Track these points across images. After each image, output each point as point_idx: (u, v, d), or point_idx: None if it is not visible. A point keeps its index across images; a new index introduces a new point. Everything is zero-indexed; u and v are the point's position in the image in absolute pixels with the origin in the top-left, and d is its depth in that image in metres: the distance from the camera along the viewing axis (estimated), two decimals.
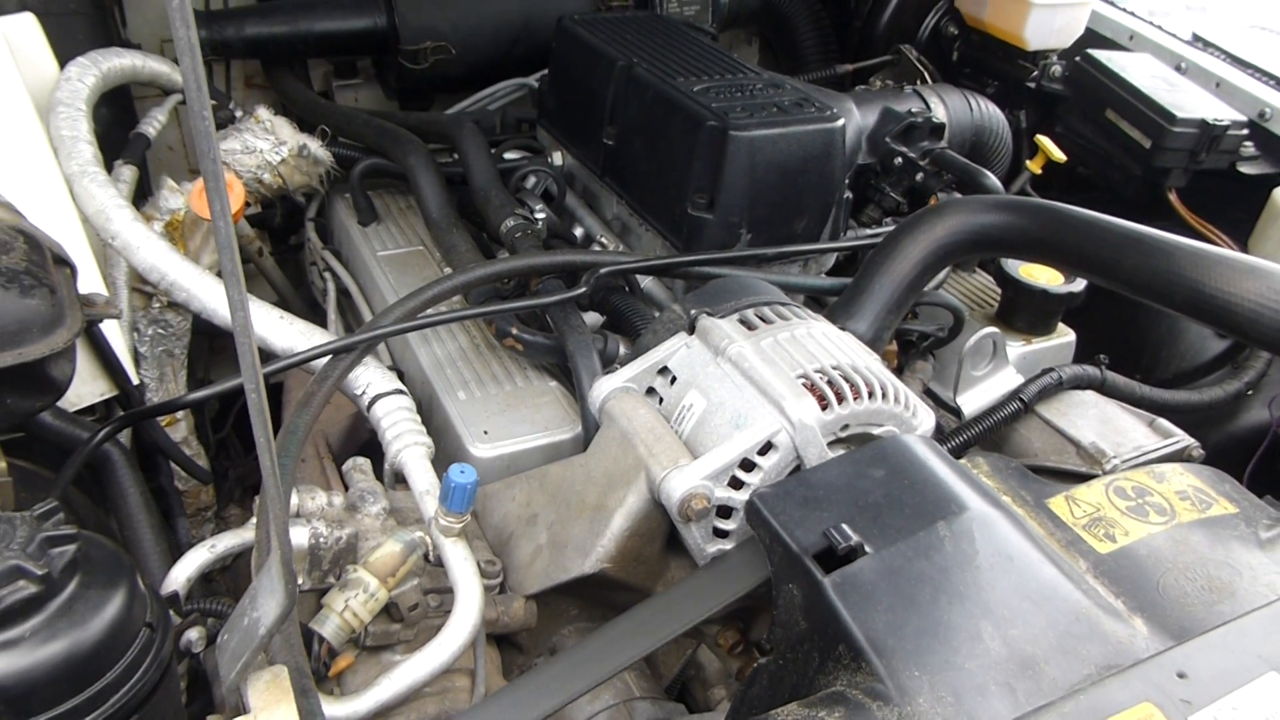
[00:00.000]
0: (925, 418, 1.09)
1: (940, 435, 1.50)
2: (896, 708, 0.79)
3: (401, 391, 1.24)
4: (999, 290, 1.64)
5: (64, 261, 1.08)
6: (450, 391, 1.34)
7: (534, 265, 1.33)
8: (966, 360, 1.52)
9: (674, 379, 1.11)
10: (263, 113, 1.74)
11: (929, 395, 1.58)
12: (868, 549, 0.88)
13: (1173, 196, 1.90)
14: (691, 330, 1.14)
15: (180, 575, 1.04)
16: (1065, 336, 1.64)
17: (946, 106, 1.84)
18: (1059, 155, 1.80)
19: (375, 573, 0.99)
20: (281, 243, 2.03)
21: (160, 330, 1.67)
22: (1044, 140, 1.82)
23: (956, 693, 0.80)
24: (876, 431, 1.06)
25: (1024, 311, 1.60)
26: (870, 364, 1.10)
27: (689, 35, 1.72)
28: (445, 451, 1.29)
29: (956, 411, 1.54)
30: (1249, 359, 1.76)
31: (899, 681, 0.80)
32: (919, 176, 1.74)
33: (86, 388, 1.34)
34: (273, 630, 0.78)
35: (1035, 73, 2.06)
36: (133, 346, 1.54)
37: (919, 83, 2.08)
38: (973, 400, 1.55)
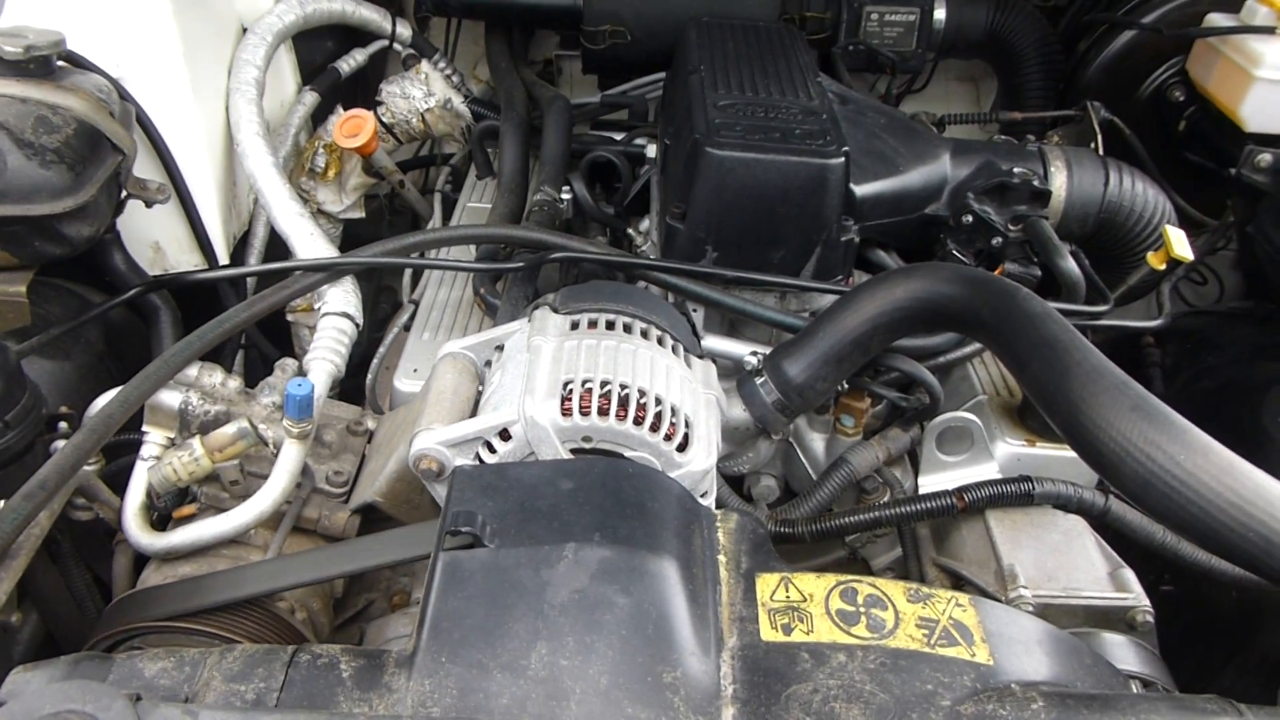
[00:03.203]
0: (695, 461, 1.07)
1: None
2: (405, 680, 0.84)
3: (348, 316, 1.43)
4: None
5: (119, 150, 1.39)
6: (419, 330, 1.51)
7: (484, 235, 1.45)
8: (929, 440, 1.40)
9: (499, 357, 1.19)
10: (425, 65, 2.01)
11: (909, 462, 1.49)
12: (486, 542, 0.92)
13: None
14: None
15: None
16: None
17: (1071, 174, 1.64)
18: (1183, 252, 1.54)
19: (206, 445, 1.20)
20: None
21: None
22: (1170, 231, 1.56)
23: (463, 691, 0.83)
24: (627, 454, 1.06)
25: (1035, 410, 1.43)
26: (673, 396, 1.10)
27: (791, 51, 1.70)
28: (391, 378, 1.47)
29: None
30: None
31: (426, 661, 0.85)
32: (995, 240, 1.59)
33: (185, 256, 1.70)
34: None
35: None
36: None
37: (1090, 145, 1.85)
38: (937, 484, 1.43)
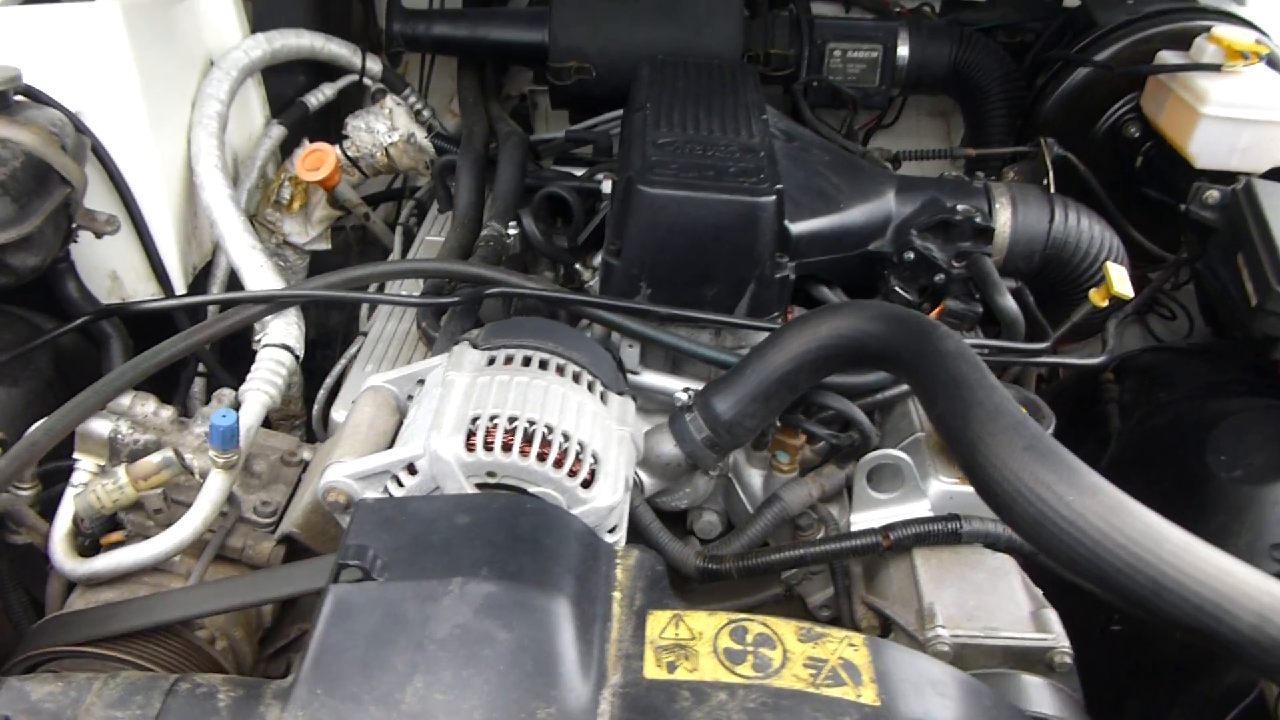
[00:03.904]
0: (600, 497, 1.08)
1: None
2: (279, 712, 0.85)
3: (287, 348, 1.45)
4: None
5: (67, 183, 1.43)
6: (363, 362, 1.53)
7: (423, 269, 1.47)
8: (860, 478, 1.40)
9: (420, 390, 1.20)
10: (389, 100, 2.04)
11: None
12: (376, 576, 0.93)
13: None
14: None
15: None
16: None
17: (1016, 211, 1.64)
18: (1123, 290, 1.54)
19: (130, 473, 1.22)
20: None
21: (279, 263, 2.04)
22: (1111, 268, 1.56)
23: None
24: (531, 489, 1.07)
25: None
26: (581, 433, 1.11)
27: (741, 89, 1.73)
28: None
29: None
30: None
31: (302, 693, 0.86)
32: (937, 277, 1.60)
33: (142, 286, 1.73)
34: None
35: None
36: None
37: (1044, 182, 1.86)
38: (869, 522, 1.43)
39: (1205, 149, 1.75)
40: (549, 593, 0.94)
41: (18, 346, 1.46)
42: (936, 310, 1.58)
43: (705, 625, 0.98)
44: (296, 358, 1.46)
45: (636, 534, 1.41)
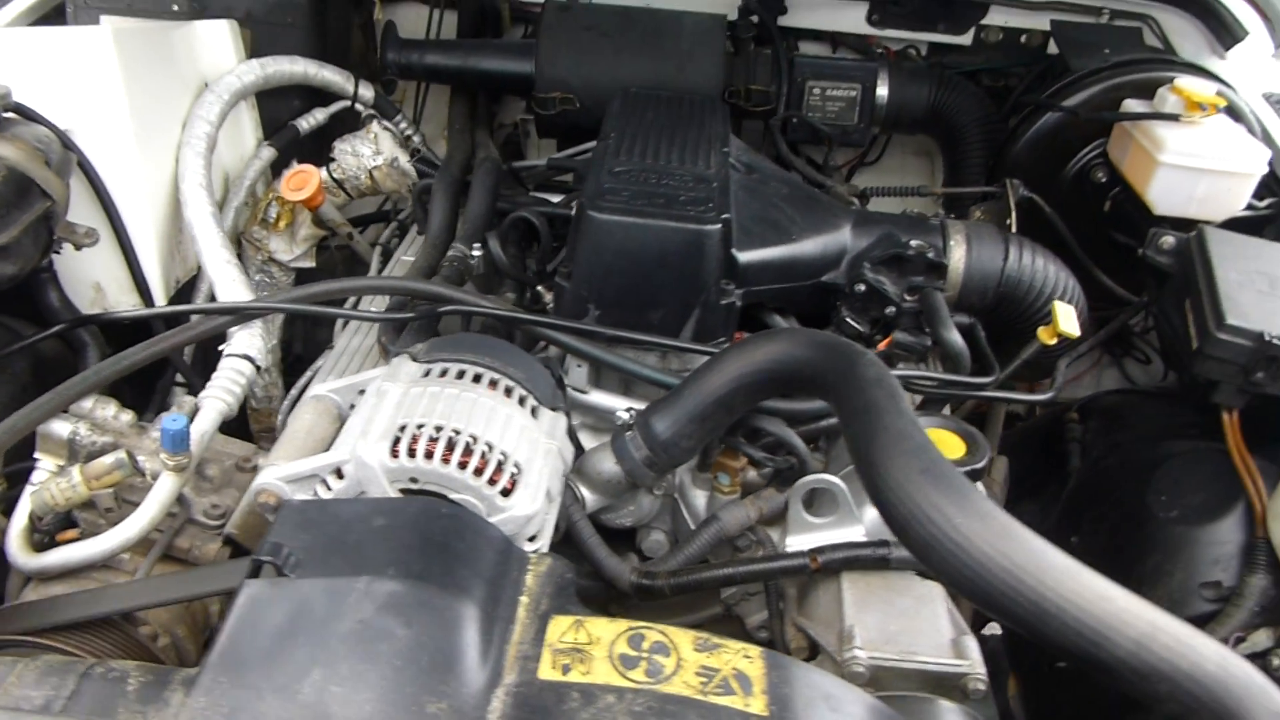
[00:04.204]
0: (519, 506, 1.12)
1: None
2: (183, 697, 0.90)
3: (248, 358, 1.51)
4: None
5: (48, 196, 1.50)
6: (325, 375, 1.59)
7: (384, 286, 1.53)
8: (795, 501, 1.43)
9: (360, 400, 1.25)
10: (375, 125, 2.11)
11: None
12: (288, 572, 0.98)
13: (1226, 418, 1.56)
14: None
15: None
16: None
17: (970, 248, 1.68)
18: (1069, 328, 1.57)
19: (84, 473, 1.28)
20: None
21: (265, 279, 2.12)
22: (1059, 307, 1.59)
23: (233, 711, 0.88)
24: (452, 496, 1.12)
25: None
26: (505, 444, 1.15)
27: (707, 122, 1.78)
28: None
29: None
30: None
31: (206, 680, 0.91)
32: (888, 310, 1.64)
33: (124, 297, 1.80)
34: None
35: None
36: None
37: (1007, 222, 1.90)
38: (805, 545, 1.45)
39: (1163, 196, 1.78)
40: (451, 593, 0.98)
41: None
42: (885, 342, 1.62)
43: (605, 631, 1.01)
44: (258, 368, 1.52)
45: (576, 548, 1.45)
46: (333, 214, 2.07)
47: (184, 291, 1.90)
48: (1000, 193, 1.95)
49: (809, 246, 1.63)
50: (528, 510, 1.12)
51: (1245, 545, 1.45)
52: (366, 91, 2.26)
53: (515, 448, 1.16)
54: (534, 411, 1.25)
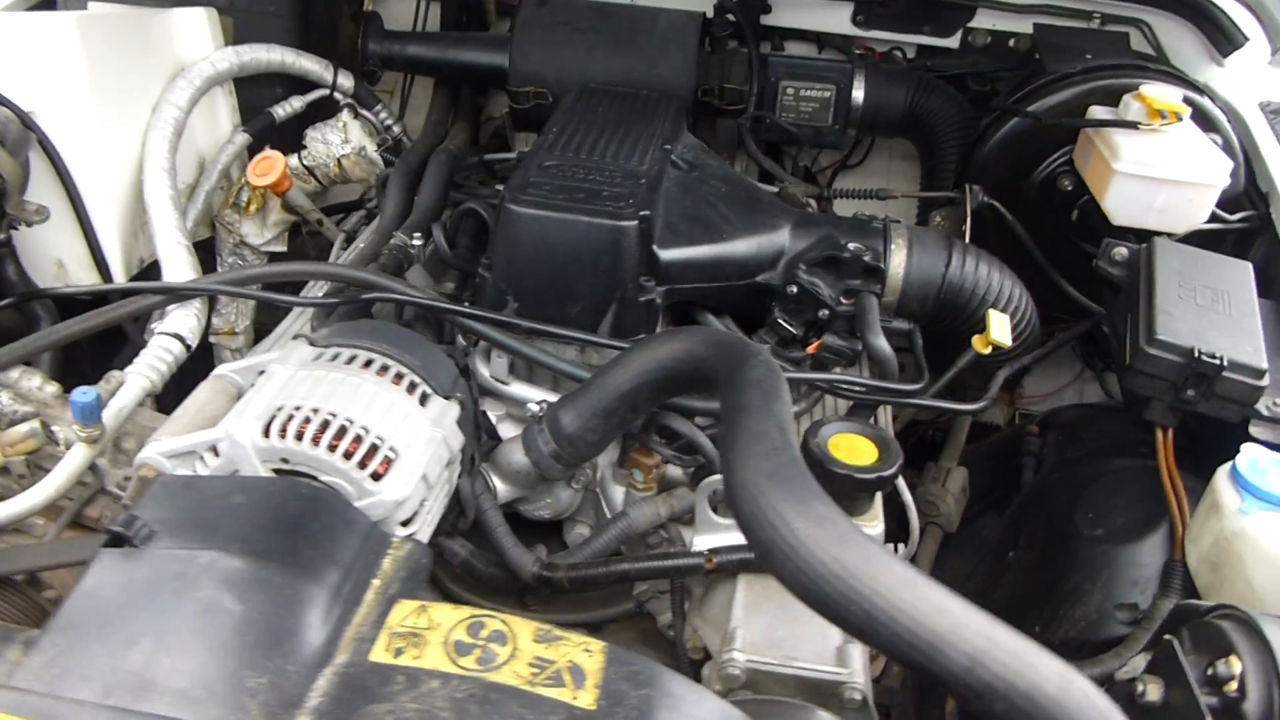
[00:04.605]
0: (388, 491, 1.14)
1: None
2: (22, 655, 0.93)
3: (178, 337, 1.54)
4: None
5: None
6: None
7: (315, 271, 1.56)
8: (700, 500, 1.42)
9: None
10: (345, 115, 2.15)
11: None
12: (139, 544, 1.00)
13: (1159, 435, 1.51)
14: None
15: None
16: (874, 526, 1.44)
17: (911, 253, 1.65)
18: (1000, 338, 1.54)
19: (0, 440, 1.32)
20: None
21: (238, 261, 2.17)
22: (993, 315, 1.57)
23: (63, 672, 0.91)
24: (323, 478, 1.14)
25: (823, 483, 1.43)
26: (382, 429, 1.17)
27: (655, 119, 1.78)
28: None
29: None
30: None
31: (46, 641, 0.93)
32: (821, 313, 1.62)
33: (84, 274, 1.86)
34: None
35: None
36: None
37: (962, 229, 1.86)
38: (712, 544, 1.45)
39: (1121, 206, 1.73)
40: (292, 572, 1.00)
41: None
42: (815, 345, 1.60)
43: (446, 618, 1.02)
44: (187, 348, 1.55)
45: (484, 536, 1.47)
46: (301, 200, 2.11)
47: (149, 271, 1.95)
48: (958, 197, 1.92)
49: (741, 246, 1.62)
50: (397, 495, 1.14)
51: (1163, 567, 1.41)
52: (346, 81, 2.30)
53: (393, 433, 1.17)
54: (424, 399, 1.26)
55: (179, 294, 1.56)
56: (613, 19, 2.21)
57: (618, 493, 1.56)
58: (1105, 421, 1.88)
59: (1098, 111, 1.85)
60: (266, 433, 1.12)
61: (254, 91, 2.24)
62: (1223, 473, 1.33)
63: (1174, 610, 1.23)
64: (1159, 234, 1.76)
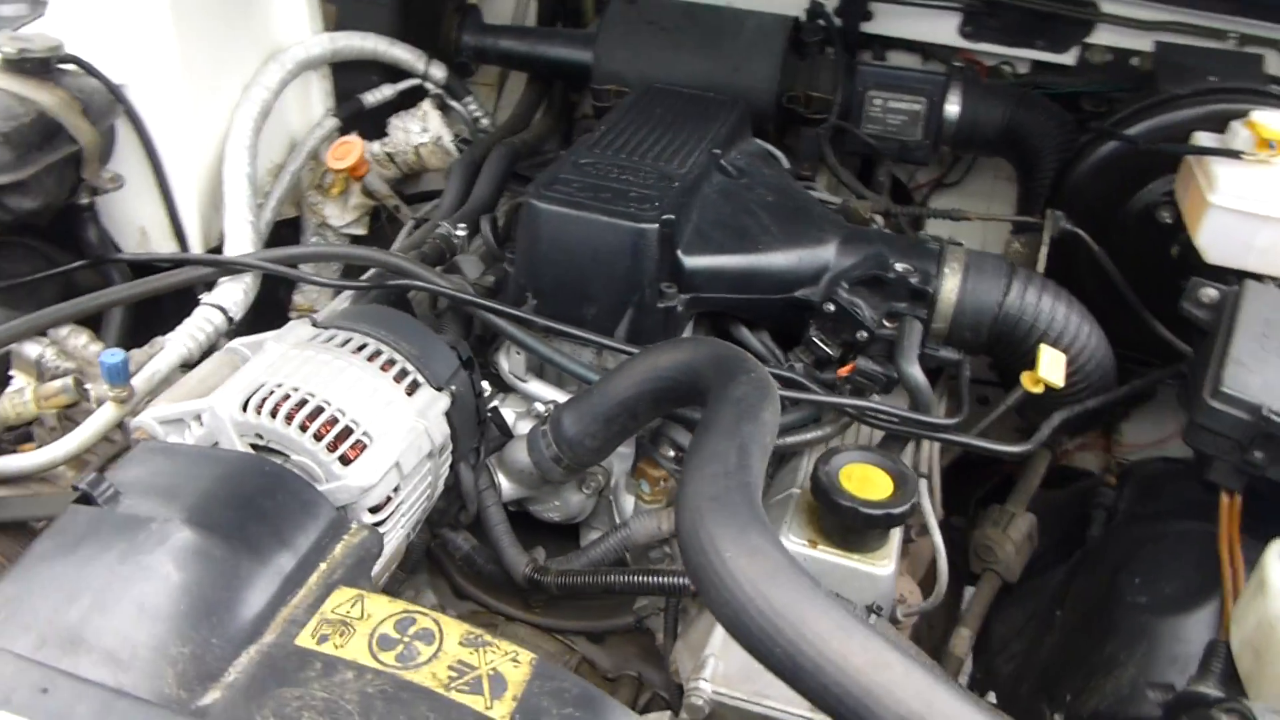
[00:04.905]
0: (355, 476, 1.14)
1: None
2: None
3: (221, 309, 1.60)
4: None
5: (75, 141, 1.65)
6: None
7: (351, 255, 1.60)
8: None
9: None
10: (426, 104, 2.19)
11: None
12: (100, 503, 1.04)
13: (1224, 499, 1.36)
14: None
15: None
16: (882, 566, 1.34)
17: (966, 279, 1.54)
18: (1049, 376, 1.42)
19: (36, 393, 1.40)
20: None
21: (320, 241, 2.24)
22: (1044, 351, 1.44)
23: (7, 619, 0.94)
24: (293, 457, 1.15)
25: (830, 513, 1.36)
26: (359, 414, 1.17)
27: (711, 123, 1.73)
28: None
29: None
30: None
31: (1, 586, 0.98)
32: (859, 334, 1.53)
33: (164, 242, 1.95)
34: None
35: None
36: None
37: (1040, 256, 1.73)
38: None
39: (1215, 243, 1.56)
40: (235, 547, 1.01)
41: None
42: (847, 368, 1.52)
43: (380, 610, 1.01)
44: (230, 320, 1.61)
45: (484, 533, 1.46)
46: (379, 185, 2.16)
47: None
48: (1039, 223, 1.78)
49: (779, 259, 1.54)
50: (364, 481, 1.14)
51: (1206, 647, 1.26)
52: (438, 71, 2.34)
53: (370, 419, 1.18)
54: (413, 388, 1.26)
55: (226, 268, 1.61)
56: (700, 20, 2.16)
57: (628, 502, 1.52)
58: (1189, 479, 1.70)
59: (1202, 138, 1.68)
60: (245, 407, 1.14)
61: (351, 77, 2.30)
62: (1275, 548, 1.18)
63: (1179, 696, 1.09)
64: (1261, 277, 1.58)
